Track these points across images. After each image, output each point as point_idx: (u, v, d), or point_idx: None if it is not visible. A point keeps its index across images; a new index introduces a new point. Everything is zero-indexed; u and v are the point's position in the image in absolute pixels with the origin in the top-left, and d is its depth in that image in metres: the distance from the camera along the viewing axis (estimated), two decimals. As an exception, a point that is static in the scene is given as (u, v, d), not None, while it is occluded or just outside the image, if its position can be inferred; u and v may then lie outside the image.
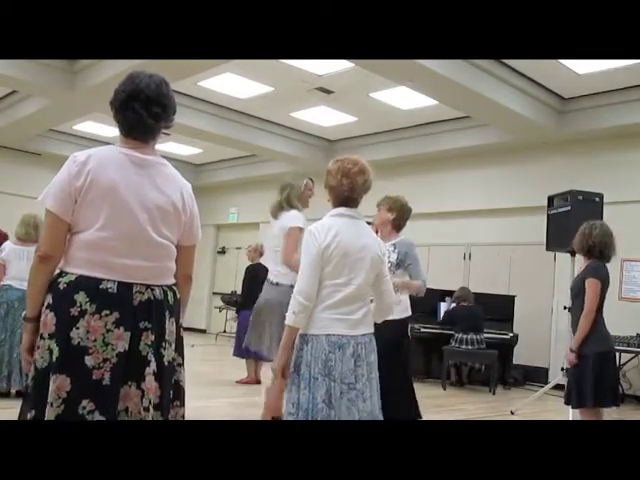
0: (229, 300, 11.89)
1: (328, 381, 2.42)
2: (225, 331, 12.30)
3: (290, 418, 2.48)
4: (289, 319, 2.48)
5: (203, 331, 13.33)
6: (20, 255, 5.19)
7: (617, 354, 4.80)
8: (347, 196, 2.58)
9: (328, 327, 2.47)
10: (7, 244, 5.28)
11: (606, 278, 4.05)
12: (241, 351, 6.93)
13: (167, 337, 2.06)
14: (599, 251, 4.03)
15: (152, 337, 2.00)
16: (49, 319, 1.95)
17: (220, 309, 12.36)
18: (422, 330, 8.20)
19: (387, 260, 3.42)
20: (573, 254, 5.80)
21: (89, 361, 1.91)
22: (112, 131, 10.83)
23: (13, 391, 5.14)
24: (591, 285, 3.97)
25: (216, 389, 6.50)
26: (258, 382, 6.89)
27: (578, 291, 4.07)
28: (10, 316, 5.10)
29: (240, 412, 5.38)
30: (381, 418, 2.57)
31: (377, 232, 3.90)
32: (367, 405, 2.48)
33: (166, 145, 11.15)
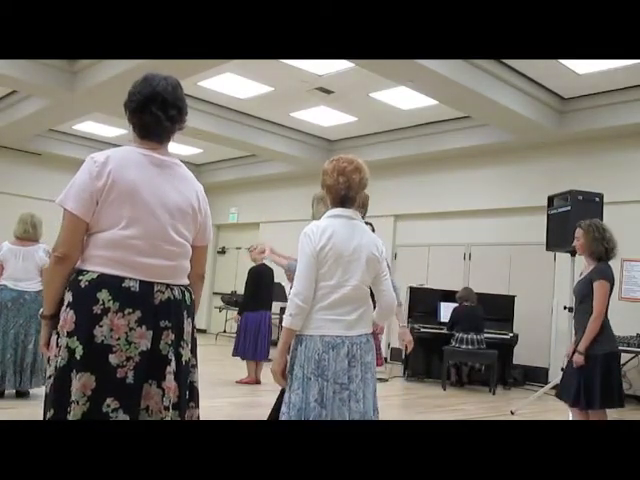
0: (229, 300, 11.89)
1: (321, 381, 2.43)
2: (225, 331, 12.30)
3: (283, 418, 2.49)
4: (286, 321, 2.49)
5: (203, 331, 13.33)
6: (17, 255, 5.17)
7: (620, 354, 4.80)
8: (344, 194, 2.58)
9: (322, 328, 2.48)
10: (5, 244, 5.26)
11: (613, 279, 4.04)
12: (240, 352, 6.94)
13: (185, 337, 2.08)
14: (611, 254, 4.02)
15: (172, 336, 2.02)
16: (69, 317, 1.96)
17: (220, 309, 12.36)
18: (422, 330, 8.20)
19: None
20: (573, 254, 5.79)
21: (113, 359, 1.92)
22: (112, 131, 10.85)
23: (7, 392, 5.15)
24: (601, 287, 3.94)
25: (216, 389, 6.50)
26: (258, 382, 6.89)
27: (585, 294, 4.02)
28: (3, 317, 5.09)
29: (240, 412, 5.38)
30: (375, 419, 2.56)
31: None
32: (360, 406, 2.48)
33: (166, 145, 11.14)
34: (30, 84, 7.94)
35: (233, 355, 7.06)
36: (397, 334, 3.29)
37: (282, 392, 2.84)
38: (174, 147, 11.38)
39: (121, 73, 6.96)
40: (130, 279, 1.97)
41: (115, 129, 10.62)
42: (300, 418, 2.41)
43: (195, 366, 2.17)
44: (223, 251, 13.95)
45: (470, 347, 7.63)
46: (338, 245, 2.51)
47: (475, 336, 7.65)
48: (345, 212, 2.59)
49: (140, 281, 1.98)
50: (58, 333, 1.98)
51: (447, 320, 8.11)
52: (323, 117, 9.56)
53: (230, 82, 8.26)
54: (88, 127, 10.91)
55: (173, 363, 2.01)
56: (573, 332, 4.21)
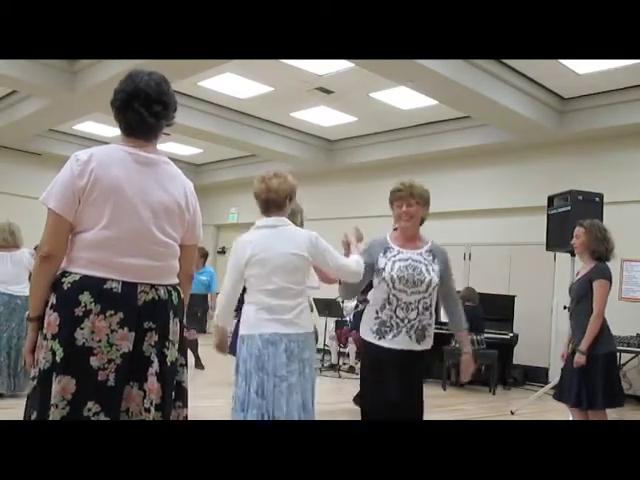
0: (229, 300, 11.86)
1: (261, 375, 2.69)
2: (225, 331, 12.29)
3: (232, 411, 2.75)
4: (215, 319, 2.96)
5: (203, 331, 13.32)
6: (4, 260, 5.22)
7: (618, 354, 4.80)
8: (264, 198, 2.81)
9: (261, 327, 2.75)
10: None
11: (612, 279, 4.04)
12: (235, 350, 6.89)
13: (171, 337, 2.05)
14: (610, 255, 4.03)
15: (156, 337, 1.99)
16: (52, 319, 1.94)
17: (220, 309, 12.34)
18: (422, 330, 8.19)
19: (429, 274, 3.20)
20: (573, 254, 5.78)
21: (94, 362, 1.89)
22: (112, 131, 10.84)
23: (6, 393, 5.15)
24: (602, 286, 3.93)
25: (216, 389, 6.50)
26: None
27: (583, 294, 4.00)
28: None
29: (240, 412, 5.37)
30: (312, 411, 2.80)
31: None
32: (299, 397, 2.72)
33: (166, 145, 11.14)
34: (30, 84, 7.93)
35: (229, 353, 7.02)
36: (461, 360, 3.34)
37: (362, 379, 3.10)
38: (174, 147, 11.41)
39: (121, 73, 6.85)
40: (112, 280, 1.94)
41: (115, 129, 10.49)
42: (243, 409, 2.67)
43: (184, 365, 2.15)
44: (223, 251, 13.93)
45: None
46: (262, 254, 2.77)
47: (475, 336, 7.64)
48: (268, 222, 2.83)
49: (123, 282, 1.95)
50: (45, 335, 1.95)
51: (447, 320, 8.09)
52: (323, 117, 9.55)
53: (230, 82, 8.26)
54: (88, 127, 10.90)
55: (156, 364, 1.98)
56: (572, 332, 4.19)
